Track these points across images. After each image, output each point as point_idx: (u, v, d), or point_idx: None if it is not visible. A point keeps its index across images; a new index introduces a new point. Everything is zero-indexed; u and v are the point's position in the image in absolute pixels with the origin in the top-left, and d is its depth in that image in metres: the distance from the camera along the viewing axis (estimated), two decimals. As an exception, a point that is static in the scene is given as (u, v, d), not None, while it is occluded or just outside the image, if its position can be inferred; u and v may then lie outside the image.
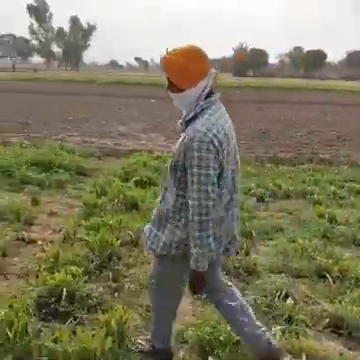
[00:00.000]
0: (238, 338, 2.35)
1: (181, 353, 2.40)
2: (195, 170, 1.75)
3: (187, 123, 1.87)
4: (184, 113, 1.91)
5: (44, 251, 3.64)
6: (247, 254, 3.60)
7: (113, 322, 2.35)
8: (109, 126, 11.48)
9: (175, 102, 1.92)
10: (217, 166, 1.79)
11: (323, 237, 4.05)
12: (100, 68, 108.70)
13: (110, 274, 3.13)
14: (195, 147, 1.74)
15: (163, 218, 1.95)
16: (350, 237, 4.09)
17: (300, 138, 10.74)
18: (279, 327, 2.53)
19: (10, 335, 2.17)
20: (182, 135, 1.87)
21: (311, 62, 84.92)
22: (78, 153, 7.06)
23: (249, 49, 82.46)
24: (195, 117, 1.83)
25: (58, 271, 2.88)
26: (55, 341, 2.16)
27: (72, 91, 23.98)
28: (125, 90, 26.40)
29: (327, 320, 2.65)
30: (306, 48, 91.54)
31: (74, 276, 2.82)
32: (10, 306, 2.42)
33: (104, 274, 3.15)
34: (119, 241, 3.48)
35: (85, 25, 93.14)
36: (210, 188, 1.76)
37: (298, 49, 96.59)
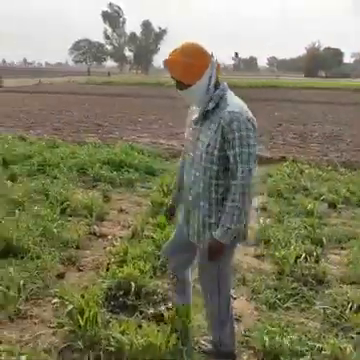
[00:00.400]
0: (304, 348, 2.27)
1: (245, 357, 2.37)
2: (237, 150, 1.84)
3: (206, 115, 1.96)
4: (196, 107, 2.02)
5: (114, 246, 3.82)
6: (317, 262, 3.44)
7: (177, 319, 2.39)
8: (176, 128, 11.66)
9: (187, 99, 2.01)
10: (256, 143, 1.88)
11: None
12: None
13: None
14: (235, 128, 1.82)
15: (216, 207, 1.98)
16: None
17: (378, 142, 9.99)
18: (346, 338, 2.38)
19: (81, 323, 2.30)
20: (204, 127, 1.95)
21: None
22: (147, 154, 7.27)
23: (322, 48, 78.76)
24: (217, 105, 1.93)
25: (126, 265, 3.01)
26: (122, 333, 2.25)
27: (142, 94, 24.79)
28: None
29: None
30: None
31: (141, 271, 2.92)
32: (82, 296, 2.57)
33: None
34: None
35: (157, 29, 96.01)
36: (252, 165, 1.85)
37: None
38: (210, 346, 2.37)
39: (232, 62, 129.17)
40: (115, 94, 24.11)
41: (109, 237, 4.02)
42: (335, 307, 2.77)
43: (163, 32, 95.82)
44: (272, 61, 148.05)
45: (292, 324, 2.60)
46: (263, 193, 5.49)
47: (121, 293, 2.78)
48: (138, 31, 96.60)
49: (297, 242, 3.71)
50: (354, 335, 2.44)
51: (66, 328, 2.48)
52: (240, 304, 2.93)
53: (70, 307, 2.40)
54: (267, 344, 2.28)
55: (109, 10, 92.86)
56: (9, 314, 2.68)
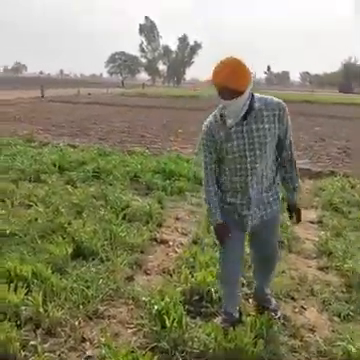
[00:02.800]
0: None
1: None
2: (289, 134, 2.33)
3: (245, 116, 2.20)
4: (233, 115, 2.19)
5: (176, 251, 3.91)
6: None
7: (258, 324, 2.43)
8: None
9: (234, 107, 2.15)
10: None
11: None
12: (201, 84, 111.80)
13: (244, 280, 3.22)
14: (286, 115, 2.25)
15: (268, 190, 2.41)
16: None
17: None
18: None
19: (168, 324, 2.37)
20: (248, 126, 2.20)
21: None
22: (194, 164, 7.37)
23: (359, 63, 77.30)
24: (251, 105, 2.19)
25: (198, 271, 3.07)
26: (208, 335, 2.30)
27: (177, 106, 25.11)
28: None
29: None
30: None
31: (214, 277, 2.97)
32: (161, 298, 2.65)
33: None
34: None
35: (192, 43, 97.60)
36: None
37: None
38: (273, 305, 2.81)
39: (264, 76, 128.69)
40: (151, 106, 24.54)
41: (170, 243, 4.11)
42: None
43: (198, 46, 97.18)
44: (305, 76, 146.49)
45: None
46: (317, 206, 5.44)
47: (197, 298, 2.84)
48: (173, 45, 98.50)
49: (363, 255, 3.66)
50: None
51: (146, 329, 2.56)
52: (312, 315, 2.92)
53: (156, 308, 2.47)
54: (352, 352, 2.26)
55: (146, 23, 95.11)
56: (88, 314, 2.78)
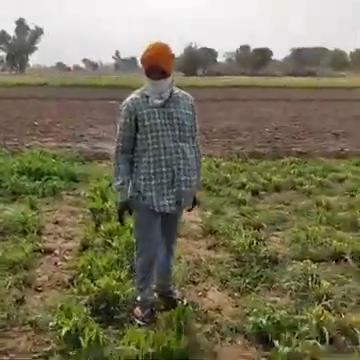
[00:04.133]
0: (289, 324, 2.51)
1: (239, 343, 2.51)
2: (197, 124, 2.61)
3: (170, 99, 2.44)
4: (160, 94, 2.41)
5: (65, 260, 3.61)
6: (264, 244, 3.76)
7: (174, 319, 2.42)
8: (79, 130, 11.25)
9: (163, 87, 2.40)
10: None
11: (327, 224, 4.32)
12: (47, 71, 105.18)
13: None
14: (195, 106, 2.58)
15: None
16: (349, 222, 4.40)
17: (269, 133, 11.17)
18: (321, 306, 2.69)
19: (84, 345, 2.15)
20: (172, 108, 2.43)
21: (257, 60, 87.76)
22: (62, 159, 6.89)
23: (199, 48, 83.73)
24: (172, 90, 2.46)
25: (99, 277, 2.88)
26: (129, 344, 2.18)
27: (26, 95, 23.05)
28: (80, 93, 25.79)
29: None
30: (253, 46, 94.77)
31: (118, 280, 2.83)
32: (67, 317, 2.40)
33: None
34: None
35: (32, 27, 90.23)
36: None
37: (244, 47, 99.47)
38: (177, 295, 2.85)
39: (113, 61, 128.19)
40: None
41: (56, 251, 3.76)
42: (297, 281, 3.11)
43: (40, 30, 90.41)
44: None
45: (268, 304, 2.83)
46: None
47: (104, 306, 2.66)
48: (10, 29, 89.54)
49: (244, 229, 4.01)
50: (325, 303, 2.76)
51: (57, 356, 2.28)
52: (214, 295, 3.06)
53: (65, 330, 2.21)
54: (263, 324, 2.45)
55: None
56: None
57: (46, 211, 4.82)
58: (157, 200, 2.45)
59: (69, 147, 8.70)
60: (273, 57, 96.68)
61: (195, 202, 2.74)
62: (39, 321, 2.62)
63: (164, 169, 2.43)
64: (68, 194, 5.50)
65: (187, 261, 3.53)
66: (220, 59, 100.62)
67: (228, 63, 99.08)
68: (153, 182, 2.44)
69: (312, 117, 15.25)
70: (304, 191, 5.63)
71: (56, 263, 3.54)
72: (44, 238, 4.03)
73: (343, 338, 2.47)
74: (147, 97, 2.43)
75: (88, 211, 4.58)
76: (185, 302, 2.78)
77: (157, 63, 2.33)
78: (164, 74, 2.37)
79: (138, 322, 2.59)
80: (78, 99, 21.77)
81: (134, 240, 2.74)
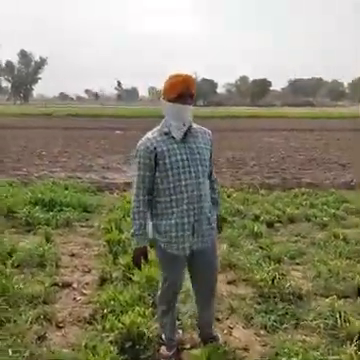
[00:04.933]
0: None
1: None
2: (213, 156, 2.56)
3: (188, 131, 2.40)
4: (184, 123, 2.36)
5: (83, 294, 3.54)
6: (286, 280, 3.69)
7: (205, 357, 2.34)
8: (87, 160, 11.31)
9: (188, 114, 2.37)
10: None
11: (347, 257, 4.26)
12: (50, 101, 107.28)
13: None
14: (212, 140, 2.54)
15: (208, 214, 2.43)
16: (369, 255, 4.33)
17: (275, 164, 11.22)
18: (354, 346, 2.61)
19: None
20: (190, 143, 2.38)
21: (257, 90, 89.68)
22: (73, 190, 6.90)
23: (200, 79, 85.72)
24: (191, 124, 2.42)
25: (123, 313, 2.81)
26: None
27: (31, 125, 23.39)
28: (85, 122, 26.19)
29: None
30: (251, 77, 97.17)
31: (143, 316, 2.77)
32: (94, 355, 2.33)
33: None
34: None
35: (37, 58, 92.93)
36: None
37: (244, 78, 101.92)
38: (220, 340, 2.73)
39: (115, 92, 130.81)
40: (1, 126, 22.22)
41: (74, 285, 3.69)
42: (325, 319, 3.03)
43: (43, 61, 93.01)
44: (152, 91, 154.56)
45: (297, 343, 2.75)
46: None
47: (130, 344, 2.58)
48: (15, 60, 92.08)
49: (265, 263, 3.95)
50: (358, 341, 2.68)
51: None
52: (240, 333, 2.98)
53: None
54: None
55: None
56: None
57: (61, 243, 4.77)
58: (177, 241, 2.36)
59: (79, 178, 8.72)
60: (272, 88, 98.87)
61: (220, 228, 2.72)
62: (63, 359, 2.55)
63: (185, 207, 2.32)
64: (82, 226, 5.46)
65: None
66: (220, 90, 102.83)
67: (228, 94, 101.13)
68: (173, 221, 2.33)
69: (316, 147, 15.37)
70: (319, 223, 5.58)
71: (75, 298, 3.47)
72: (61, 271, 3.97)
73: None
74: (166, 134, 2.36)
75: (104, 243, 4.54)
76: (220, 341, 2.72)
77: (189, 87, 2.32)
78: (192, 99, 2.37)
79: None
80: (83, 128, 22.07)
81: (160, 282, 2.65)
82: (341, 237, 4.83)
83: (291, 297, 3.38)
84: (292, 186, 7.82)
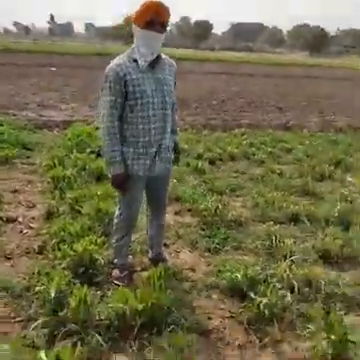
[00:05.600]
0: (262, 277, 2.72)
1: (215, 297, 2.68)
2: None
3: (157, 60, 2.38)
4: (152, 53, 2.33)
5: (30, 227, 3.53)
6: (228, 209, 3.95)
7: (156, 278, 2.51)
8: (21, 97, 10.58)
9: (159, 43, 2.33)
10: None
11: (281, 190, 4.62)
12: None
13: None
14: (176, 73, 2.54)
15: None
16: (301, 188, 4.75)
17: (217, 106, 11.39)
18: (287, 262, 2.95)
19: (73, 305, 2.17)
20: (158, 72, 2.38)
21: (199, 33, 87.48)
22: (9, 127, 6.50)
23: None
24: (160, 55, 2.41)
25: (73, 243, 2.87)
26: (118, 301, 2.24)
27: None
28: (16, 58, 24.02)
29: (318, 253, 3.20)
30: (193, 18, 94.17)
31: (95, 244, 2.85)
32: (50, 279, 2.40)
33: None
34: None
35: None
36: None
37: (185, 19, 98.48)
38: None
39: (47, 26, 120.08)
40: None
41: (20, 220, 3.64)
42: (263, 241, 3.35)
43: None
44: (90, 28, 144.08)
45: (238, 261, 3.03)
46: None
47: (82, 270, 2.67)
48: None
49: (208, 196, 4.17)
50: (290, 258, 3.01)
51: (42, 319, 2.26)
52: (186, 255, 3.20)
53: (52, 295, 2.21)
54: (239, 279, 2.63)
55: None
56: None
57: (1, 180, 4.59)
58: (144, 167, 2.48)
59: (15, 115, 8.19)
60: (213, 31, 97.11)
61: (179, 157, 2.85)
62: (14, 287, 2.58)
63: (153, 138, 2.41)
64: (22, 163, 5.25)
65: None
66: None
67: (169, 34, 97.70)
68: (142, 150, 2.43)
69: (255, 91, 15.73)
70: (257, 160, 5.92)
71: (22, 231, 3.44)
72: (5, 207, 3.87)
73: (307, 289, 2.74)
74: (135, 61, 2.33)
75: (48, 180, 4.44)
76: (168, 263, 2.90)
77: (159, 14, 2.24)
78: (163, 28, 2.31)
79: (117, 283, 2.65)
80: (14, 64, 20.28)
81: (118, 206, 2.73)
82: (277, 172, 5.21)
83: (232, 224, 3.66)
84: (233, 127, 8.07)
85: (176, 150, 2.76)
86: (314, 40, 78.26)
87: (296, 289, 2.65)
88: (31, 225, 3.55)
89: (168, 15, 2.31)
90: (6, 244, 3.19)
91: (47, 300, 2.29)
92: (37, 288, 2.45)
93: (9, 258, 3.01)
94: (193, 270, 2.99)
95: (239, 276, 2.64)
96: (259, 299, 2.46)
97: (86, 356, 2.02)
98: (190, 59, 33.32)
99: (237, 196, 4.56)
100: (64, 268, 2.67)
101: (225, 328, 2.39)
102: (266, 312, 2.40)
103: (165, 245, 3.30)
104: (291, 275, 2.76)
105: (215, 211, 3.76)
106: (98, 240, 2.93)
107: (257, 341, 2.27)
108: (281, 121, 9.22)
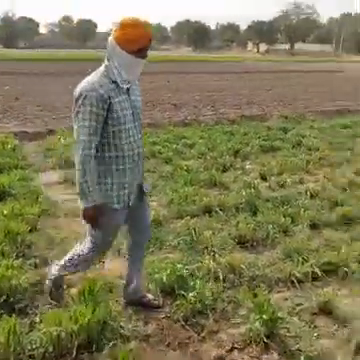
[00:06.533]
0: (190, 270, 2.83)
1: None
2: None
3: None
4: (135, 78, 2.22)
5: None
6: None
7: (86, 293, 2.43)
8: None
9: (141, 67, 2.15)
10: None
11: (191, 185, 4.80)
12: None
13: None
14: None
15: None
16: (208, 180, 5.00)
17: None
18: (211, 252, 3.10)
19: (2, 339, 1.99)
20: (131, 95, 2.20)
21: (83, 32, 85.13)
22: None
23: (17, 17, 75.77)
24: None
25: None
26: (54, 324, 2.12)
27: None
28: None
29: (234, 240, 3.44)
30: (76, 18, 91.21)
31: (12, 268, 2.63)
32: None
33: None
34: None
35: None
36: None
37: (67, 18, 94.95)
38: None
39: None
40: None
41: None
42: (184, 236, 3.46)
43: None
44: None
45: (164, 260, 3.07)
46: (54, 167, 5.47)
47: (4, 298, 2.45)
48: None
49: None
50: (212, 249, 3.17)
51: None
52: (111, 264, 3.15)
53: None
54: (165, 280, 2.70)
55: None
56: None
57: None
58: (127, 197, 2.25)
59: None
60: (98, 30, 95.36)
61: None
62: None
63: (134, 165, 2.22)
64: None
65: (74, 237, 3.48)
66: (42, 31, 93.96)
67: (51, 35, 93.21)
68: (127, 179, 2.20)
69: (148, 89, 15.95)
70: (164, 158, 6.05)
71: None
72: None
73: (232, 275, 2.92)
74: (114, 83, 2.09)
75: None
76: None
77: (151, 40, 2.09)
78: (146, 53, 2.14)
79: (54, 303, 2.49)
80: None
81: (90, 237, 2.35)
82: (184, 168, 5.40)
83: (152, 224, 3.67)
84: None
85: None
86: (196, 35, 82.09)
87: (221, 278, 2.81)
88: None
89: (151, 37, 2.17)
90: None
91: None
92: None
93: None
94: (122, 277, 2.95)
95: (164, 276, 2.69)
96: (190, 294, 2.55)
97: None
98: (76, 60, 32.36)
99: (151, 195, 4.61)
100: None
101: (163, 329, 2.43)
102: (199, 306, 2.50)
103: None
104: (215, 265, 2.92)
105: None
106: (14, 263, 2.71)
107: (196, 335, 2.36)
108: (179, 118, 9.53)
